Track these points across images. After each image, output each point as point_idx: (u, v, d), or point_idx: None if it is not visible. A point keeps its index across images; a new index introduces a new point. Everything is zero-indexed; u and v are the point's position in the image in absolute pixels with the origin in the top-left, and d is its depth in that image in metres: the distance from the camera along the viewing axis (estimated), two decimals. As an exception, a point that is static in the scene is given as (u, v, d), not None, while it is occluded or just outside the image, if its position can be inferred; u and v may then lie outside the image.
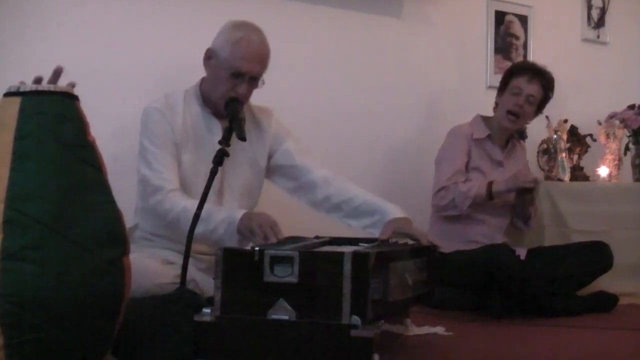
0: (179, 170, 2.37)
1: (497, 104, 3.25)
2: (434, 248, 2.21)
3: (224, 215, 2.19)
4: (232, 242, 2.14)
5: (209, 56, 2.40)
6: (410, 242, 2.25)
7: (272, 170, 2.55)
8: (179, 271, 2.11)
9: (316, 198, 2.48)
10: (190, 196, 2.29)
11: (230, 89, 2.35)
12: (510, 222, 3.31)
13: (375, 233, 2.31)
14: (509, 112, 3.16)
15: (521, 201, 3.17)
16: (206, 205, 2.12)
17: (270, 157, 2.53)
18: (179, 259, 2.16)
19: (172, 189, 2.27)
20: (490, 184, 3.07)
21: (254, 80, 2.38)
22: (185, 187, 2.34)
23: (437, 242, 2.24)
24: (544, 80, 3.19)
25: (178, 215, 2.21)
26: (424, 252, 2.17)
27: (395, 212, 2.34)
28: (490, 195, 3.06)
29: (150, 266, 2.22)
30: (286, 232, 2.32)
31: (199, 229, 2.10)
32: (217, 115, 2.43)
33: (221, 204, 2.40)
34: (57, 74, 1.76)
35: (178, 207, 2.22)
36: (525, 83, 3.15)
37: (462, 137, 3.19)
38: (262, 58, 2.38)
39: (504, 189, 3.07)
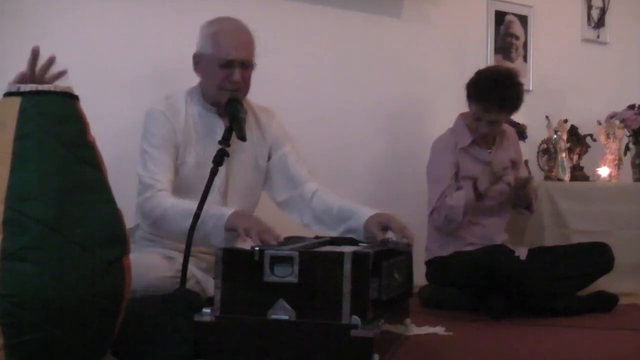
0: (184, 171, 2.37)
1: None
2: (410, 245, 2.21)
3: (213, 211, 2.17)
4: (219, 238, 2.12)
5: (197, 61, 2.41)
6: (392, 237, 2.25)
7: (267, 173, 2.55)
8: (180, 266, 2.11)
9: (303, 216, 2.47)
10: (195, 196, 2.28)
11: (224, 80, 2.34)
12: (513, 212, 3.29)
13: (354, 237, 2.29)
14: (479, 134, 3.13)
15: (516, 192, 3.14)
16: (195, 204, 2.12)
17: (268, 158, 2.53)
18: (179, 258, 2.16)
19: (161, 188, 2.26)
20: (475, 183, 3.05)
21: (245, 67, 2.37)
22: (190, 188, 2.34)
23: (413, 237, 2.23)
24: (506, 105, 3.05)
25: (165, 210, 2.21)
26: (404, 250, 2.18)
27: (368, 210, 2.32)
28: (478, 195, 3.04)
29: (151, 260, 2.22)
30: (286, 232, 2.32)
31: (185, 224, 2.10)
32: (219, 113, 2.43)
33: (225, 204, 2.40)
34: (50, 63, 1.76)
35: (165, 204, 2.21)
36: (483, 112, 3.06)
37: (446, 150, 3.13)
38: (244, 42, 2.38)
39: (487, 183, 3.05)
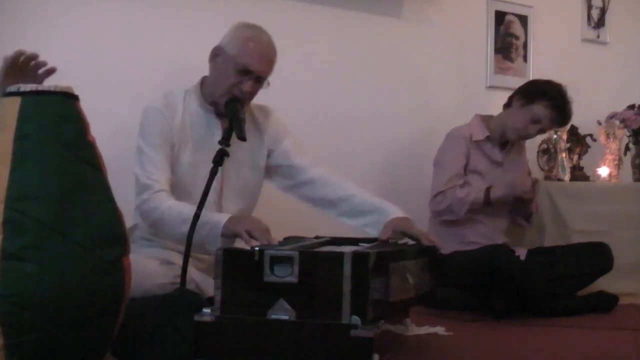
0: (179, 170, 2.36)
1: (509, 104, 3.20)
2: (435, 248, 2.21)
3: (208, 217, 2.16)
4: (215, 245, 2.10)
5: (216, 54, 2.39)
6: (410, 242, 2.25)
7: (270, 170, 2.54)
8: (178, 271, 2.11)
9: (312, 195, 2.47)
10: (190, 197, 2.29)
11: (234, 85, 2.34)
12: (510, 220, 3.31)
13: (372, 232, 2.30)
14: (520, 134, 3.18)
15: (520, 203, 3.17)
16: (191, 208, 2.12)
17: (268, 156, 2.53)
18: (179, 259, 2.16)
19: (159, 189, 2.25)
20: (488, 190, 3.06)
21: (259, 81, 2.37)
22: (185, 188, 2.34)
23: (438, 242, 2.24)
24: (563, 122, 3.21)
25: (162, 214, 2.20)
26: (426, 253, 2.17)
27: (395, 211, 2.33)
28: (487, 201, 3.06)
29: (150, 266, 2.21)
30: (286, 232, 2.32)
31: (182, 228, 2.11)
32: (218, 114, 2.42)
33: (220, 205, 2.40)
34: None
35: (163, 206, 2.21)
36: (547, 120, 3.13)
37: (461, 139, 3.17)
38: (270, 59, 2.38)
39: (501, 195, 3.07)
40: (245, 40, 2.34)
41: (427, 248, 2.19)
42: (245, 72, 2.33)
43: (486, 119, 3.24)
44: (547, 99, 3.10)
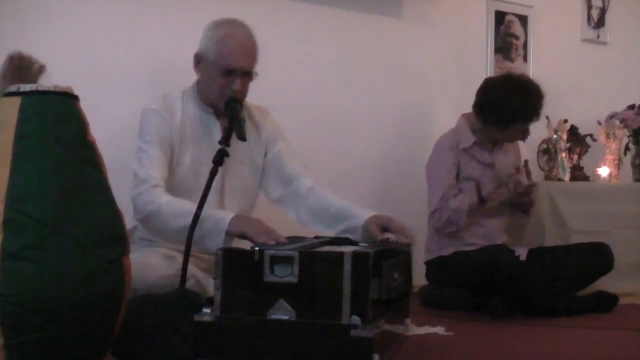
0: (180, 171, 2.37)
1: (482, 122, 3.13)
2: (408, 245, 2.22)
3: (211, 213, 2.16)
4: (217, 242, 2.10)
5: (198, 61, 2.40)
6: (392, 238, 2.25)
7: (262, 170, 2.54)
8: (180, 265, 2.11)
9: (299, 213, 2.47)
10: (191, 197, 2.28)
11: (224, 88, 2.34)
12: (510, 215, 3.31)
13: (352, 237, 2.29)
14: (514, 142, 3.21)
15: (520, 199, 3.16)
16: (192, 204, 2.12)
17: (264, 156, 2.53)
18: (179, 257, 2.16)
19: (156, 184, 2.25)
20: (478, 187, 3.06)
21: (246, 75, 2.37)
22: (186, 188, 2.34)
23: (412, 237, 2.25)
24: (541, 110, 3.14)
25: (159, 207, 2.19)
26: (404, 249, 2.19)
27: (366, 212, 2.33)
28: (482, 199, 3.05)
29: (152, 260, 2.22)
30: (286, 232, 2.31)
31: (178, 222, 2.11)
32: (216, 114, 2.43)
33: (222, 204, 2.40)
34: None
35: (160, 200, 2.20)
36: (524, 126, 3.11)
37: (448, 150, 3.14)
38: (249, 51, 2.37)
39: (491, 190, 3.07)
40: (219, 40, 2.34)
41: (405, 245, 2.19)
42: (229, 72, 2.33)
43: (471, 118, 3.21)
44: (521, 120, 3.06)
